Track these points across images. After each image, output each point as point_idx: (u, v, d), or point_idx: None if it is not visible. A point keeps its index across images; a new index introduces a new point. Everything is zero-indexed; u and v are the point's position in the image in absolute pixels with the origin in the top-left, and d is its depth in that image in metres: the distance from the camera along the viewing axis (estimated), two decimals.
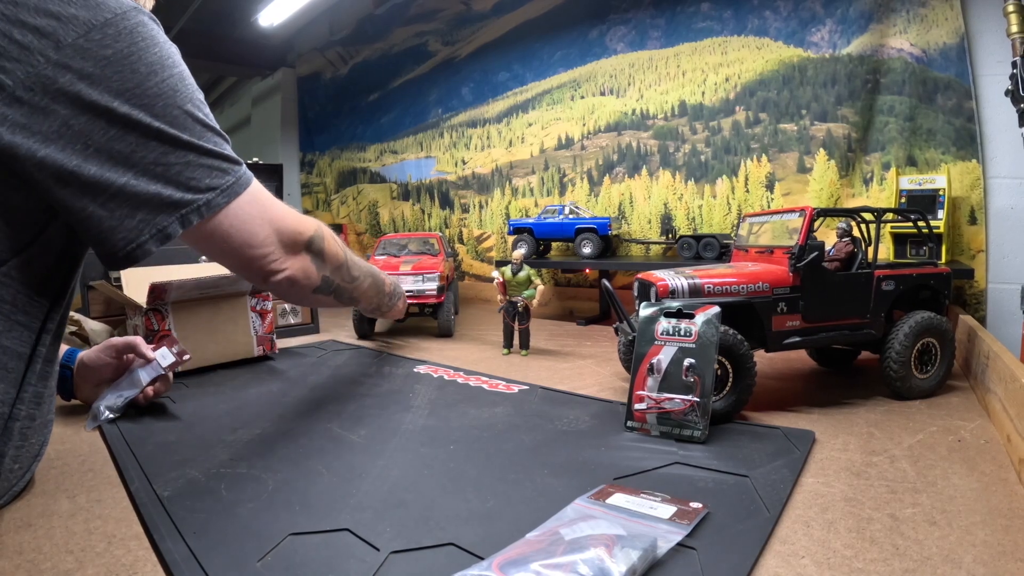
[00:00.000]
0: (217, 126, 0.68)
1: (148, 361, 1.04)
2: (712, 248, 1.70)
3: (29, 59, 0.54)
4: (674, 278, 0.98)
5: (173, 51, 0.64)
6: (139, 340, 1.05)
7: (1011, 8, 1.28)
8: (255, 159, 2.03)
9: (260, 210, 0.74)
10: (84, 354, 1.01)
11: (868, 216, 1.10)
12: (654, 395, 0.85)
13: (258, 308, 1.42)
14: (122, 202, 0.60)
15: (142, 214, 0.61)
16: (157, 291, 1.22)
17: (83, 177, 0.57)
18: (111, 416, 0.98)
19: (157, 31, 0.62)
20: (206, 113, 0.67)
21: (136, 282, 1.43)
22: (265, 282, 0.79)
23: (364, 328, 1.74)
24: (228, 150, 0.69)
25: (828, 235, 1.33)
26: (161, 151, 0.62)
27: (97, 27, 0.57)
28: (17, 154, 0.55)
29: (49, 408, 0.72)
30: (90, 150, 0.58)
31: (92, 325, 1.33)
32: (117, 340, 1.03)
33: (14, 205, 0.58)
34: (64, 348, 1.00)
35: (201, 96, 0.67)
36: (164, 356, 1.07)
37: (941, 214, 1.41)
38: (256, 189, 0.73)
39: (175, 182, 0.63)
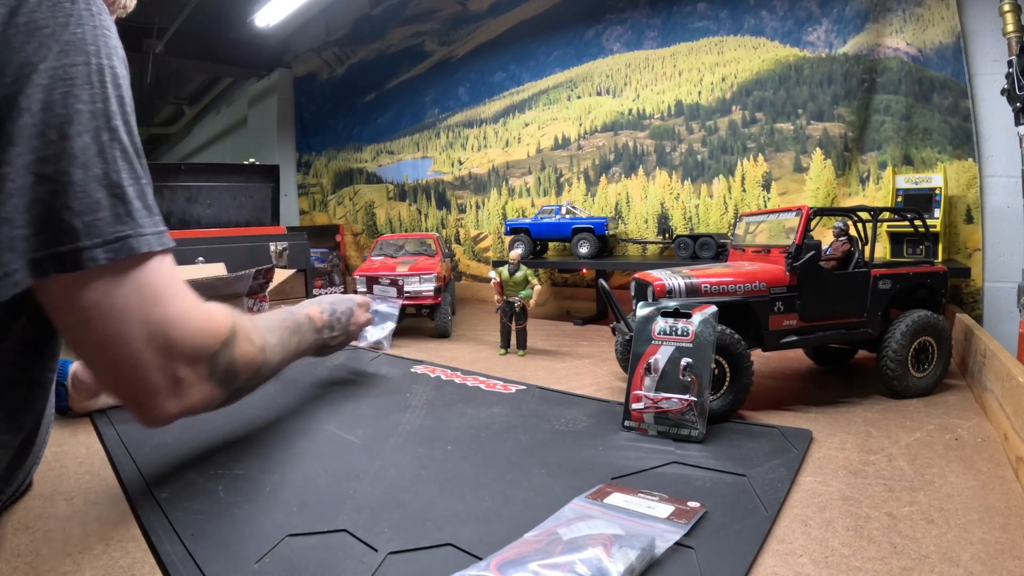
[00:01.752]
0: (135, 151, 0.52)
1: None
2: (709, 248, 1.71)
3: None
4: (671, 278, 0.98)
5: (97, 34, 0.49)
6: None
7: (1007, 7, 1.28)
8: (252, 160, 2.02)
9: (148, 299, 0.51)
10: (76, 367, 1.00)
11: (865, 215, 1.10)
12: (651, 395, 0.85)
13: (255, 309, 1.42)
14: None
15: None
16: None
17: None
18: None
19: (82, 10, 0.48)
20: (128, 130, 0.51)
21: None
22: (142, 416, 0.56)
23: None
24: (125, 182, 0.50)
25: (825, 234, 1.33)
26: (32, 166, 0.45)
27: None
28: None
29: (48, 419, 0.70)
30: None
31: None
32: None
33: None
34: None
35: (125, 108, 0.52)
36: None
37: (937, 213, 1.41)
38: (161, 266, 0.53)
39: (40, 214, 0.45)
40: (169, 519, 0.62)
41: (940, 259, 1.40)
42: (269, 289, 1.44)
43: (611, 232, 1.99)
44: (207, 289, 1.30)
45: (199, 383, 0.58)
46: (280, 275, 1.48)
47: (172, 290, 0.54)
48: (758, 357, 1.12)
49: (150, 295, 0.51)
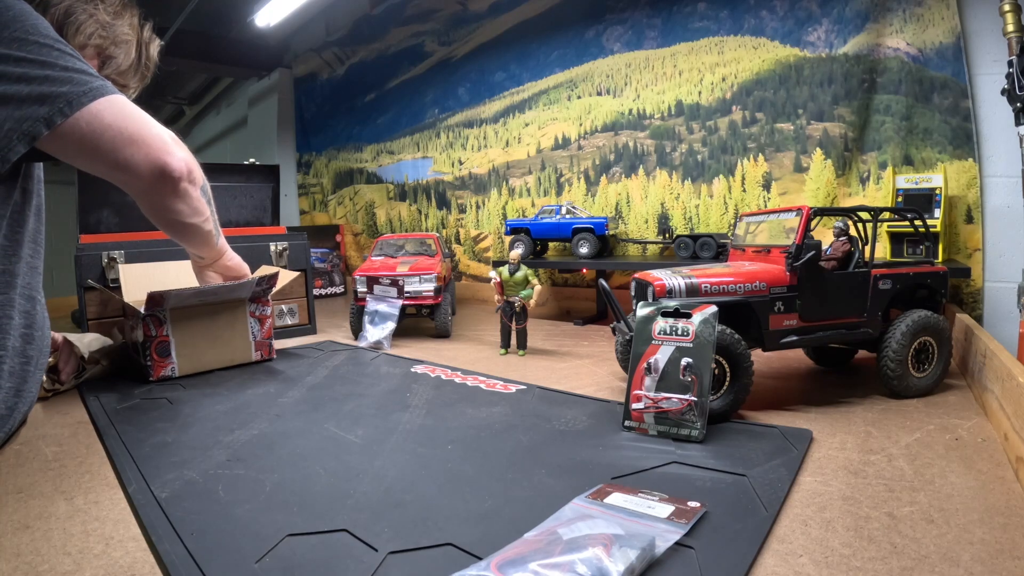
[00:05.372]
0: (70, 49, 0.76)
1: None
2: (709, 248, 1.71)
3: None
4: (671, 278, 0.98)
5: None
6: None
7: (1007, 7, 1.28)
8: (252, 160, 2.02)
9: (138, 109, 0.82)
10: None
11: (865, 215, 1.11)
12: (651, 395, 0.85)
13: (257, 314, 1.41)
14: None
15: (9, 124, 0.70)
16: (154, 300, 1.22)
17: None
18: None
19: None
20: (54, 37, 0.75)
21: (135, 277, 1.43)
22: (166, 169, 0.84)
23: (360, 329, 1.74)
24: (83, 65, 0.77)
25: (825, 234, 1.33)
26: (16, 72, 0.70)
27: None
28: None
29: (15, 340, 0.83)
30: None
31: (81, 338, 1.31)
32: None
33: None
34: None
35: (45, 24, 0.75)
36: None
37: (938, 213, 1.41)
38: (125, 99, 0.81)
39: (33, 96, 0.71)
40: (169, 519, 0.62)
41: (940, 259, 1.40)
42: (272, 294, 1.44)
43: (611, 232, 2.00)
44: (210, 295, 1.29)
45: (184, 148, 0.89)
46: (284, 277, 1.47)
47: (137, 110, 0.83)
48: (758, 357, 1.12)
49: (135, 108, 0.82)
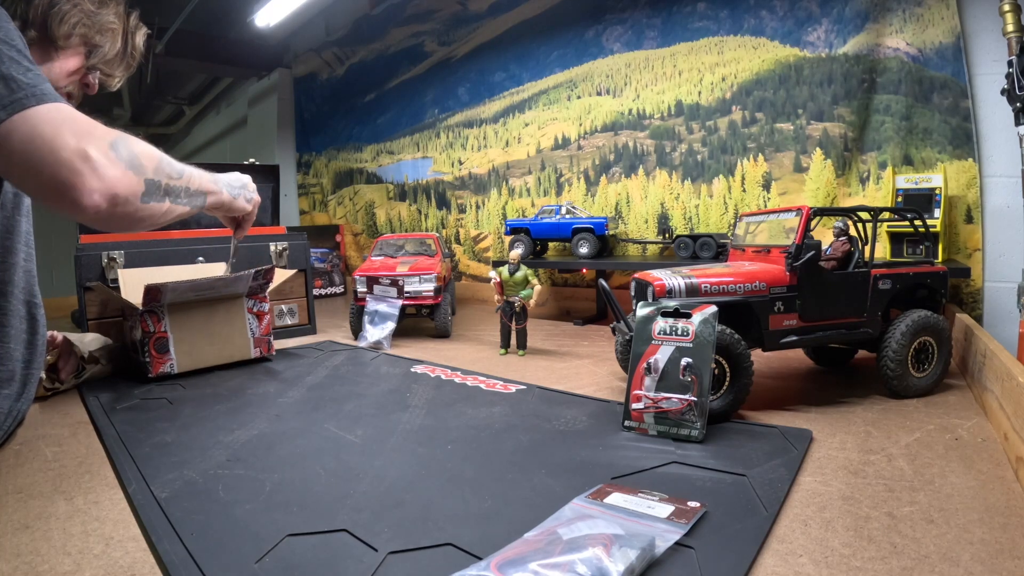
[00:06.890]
0: (11, 52, 0.70)
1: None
2: (709, 248, 1.71)
3: None
4: (671, 278, 0.98)
5: None
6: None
7: (1007, 7, 1.28)
8: (251, 160, 2.02)
9: (59, 121, 0.69)
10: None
11: (865, 215, 1.11)
12: (651, 395, 0.85)
13: (255, 310, 1.41)
14: None
15: None
16: (152, 293, 1.22)
17: None
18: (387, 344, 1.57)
19: None
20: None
21: (134, 282, 1.42)
22: (76, 205, 0.71)
23: (360, 329, 1.74)
24: (11, 70, 0.69)
25: (825, 234, 1.33)
26: None
27: None
28: None
29: (18, 345, 0.84)
30: None
31: (82, 338, 1.31)
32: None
33: None
34: None
35: None
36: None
37: (937, 213, 1.41)
38: (58, 106, 0.71)
39: None
40: (169, 519, 0.62)
41: (940, 259, 1.40)
42: (269, 289, 1.44)
43: (611, 232, 2.00)
44: (207, 289, 1.30)
45: (110, 163, 0.72)
46: (280, 275, 1.48)
47: (74, 114, 0.70)
48: (758, 357, 1.12)
49: (60, 117, 0.69)
